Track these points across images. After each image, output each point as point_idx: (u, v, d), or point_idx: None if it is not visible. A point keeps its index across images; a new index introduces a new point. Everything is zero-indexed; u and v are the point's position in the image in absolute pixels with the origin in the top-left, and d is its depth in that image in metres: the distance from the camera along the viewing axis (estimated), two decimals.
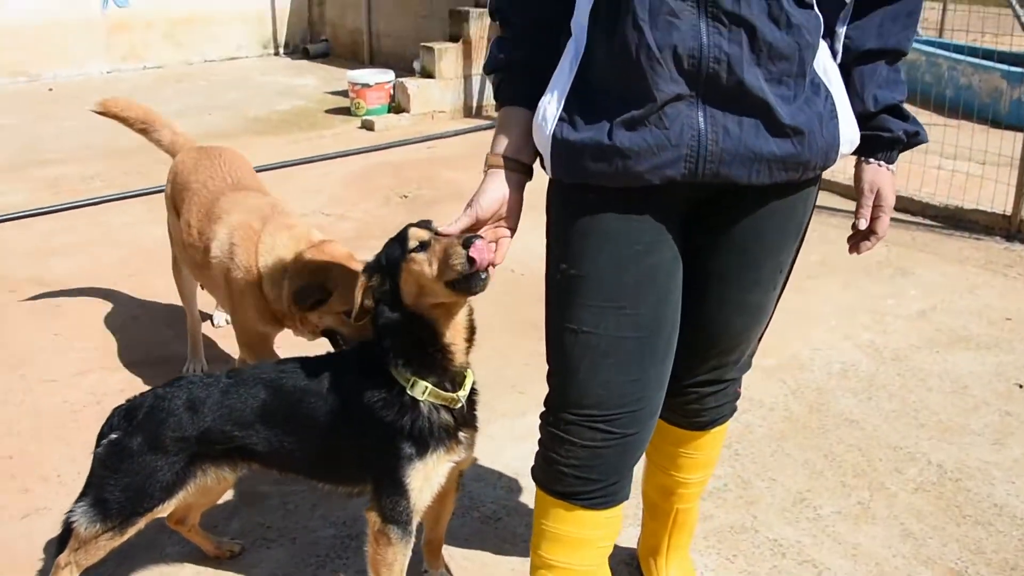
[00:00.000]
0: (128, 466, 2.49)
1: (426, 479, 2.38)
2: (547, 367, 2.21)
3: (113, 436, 2.54)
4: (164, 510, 2.56)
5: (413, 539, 2.45)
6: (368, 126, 8.34)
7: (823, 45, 2.01)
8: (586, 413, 2.12)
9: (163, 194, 3.98)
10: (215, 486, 2.66)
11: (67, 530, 2.63)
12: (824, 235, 5.56)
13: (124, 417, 2.56)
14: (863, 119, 2.11)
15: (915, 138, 2.14)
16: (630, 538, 2.96)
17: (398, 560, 2.44)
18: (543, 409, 2.23)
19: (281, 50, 12.02)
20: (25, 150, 7.54)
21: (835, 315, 4.61)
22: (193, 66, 11.12)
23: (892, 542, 3.03)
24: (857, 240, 2.24)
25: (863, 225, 2.19)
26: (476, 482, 3.32)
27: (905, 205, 6.05)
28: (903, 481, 3.32)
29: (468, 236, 2.07)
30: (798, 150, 1.95)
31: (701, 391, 2.39)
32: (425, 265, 2.17)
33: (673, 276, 2.11)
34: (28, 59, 10.11)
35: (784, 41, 1.88)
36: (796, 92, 1.95)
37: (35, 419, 3.73)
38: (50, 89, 9.78)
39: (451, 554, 2.94)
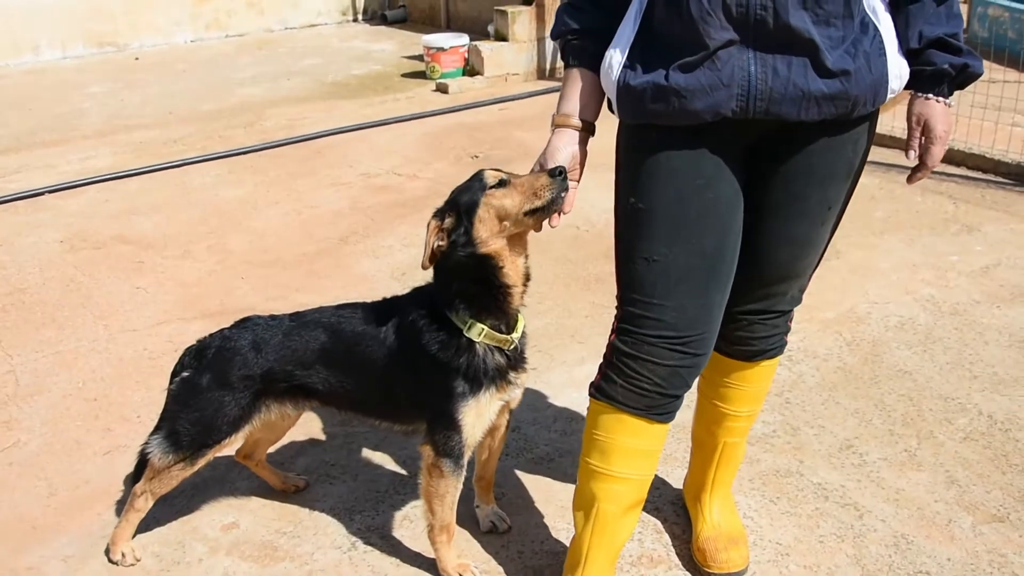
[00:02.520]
0: (198, 401, 2.67)
1: (479, 415, 2.51)
2: (618, 293, 2.38)
3: (185, 374, 2.73)
4: (232, 443, 2.73)
5: (464, 473, 2.59)
6: (443, 89, 8.46)
7: None
8: (665, 335, 2.28)
9: None
10: (279, 422, 2.84)
11: (142, 462, 2.82)
12: (891, 192, 5.58)
13: (195, 356, 2.75)
14: (912, 55, 2.18)
15: (964, 71, 2.16)
16: (677, 479, 3.07)
17: (450, 492, 2.58)
18: (617, 333, 2.37)
19: (360, 16, 12.18)
20: (112, 117, 7.82)
21: (897, 270, 4.62)
22: (274, 33, 11.35)
23: (936, 488, 3.08)
24: (912, 172, 2.33)
25: (911, 157, 2.27)
26: (532, 425, 3.45)
27: (977, 163, 6.00)
28: (952, 431, 3.36)
29: (552, 168, 2.30)
30: (845, 87, 2.08)
31: (750, 319, 2.52)
32: (507, 198, 2.36)
33: (733, 209, 2.27)
34: (116, 30, 10.42)
35: None
36: (845, 32, 2.08)
37: (117, 366, 3.95)
38: (136, 58, 10.08)
39: (504, 491, 3.08)
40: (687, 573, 2.75)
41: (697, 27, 2.06)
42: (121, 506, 2.88)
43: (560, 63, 8.93)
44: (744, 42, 2.06)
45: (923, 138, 2.24)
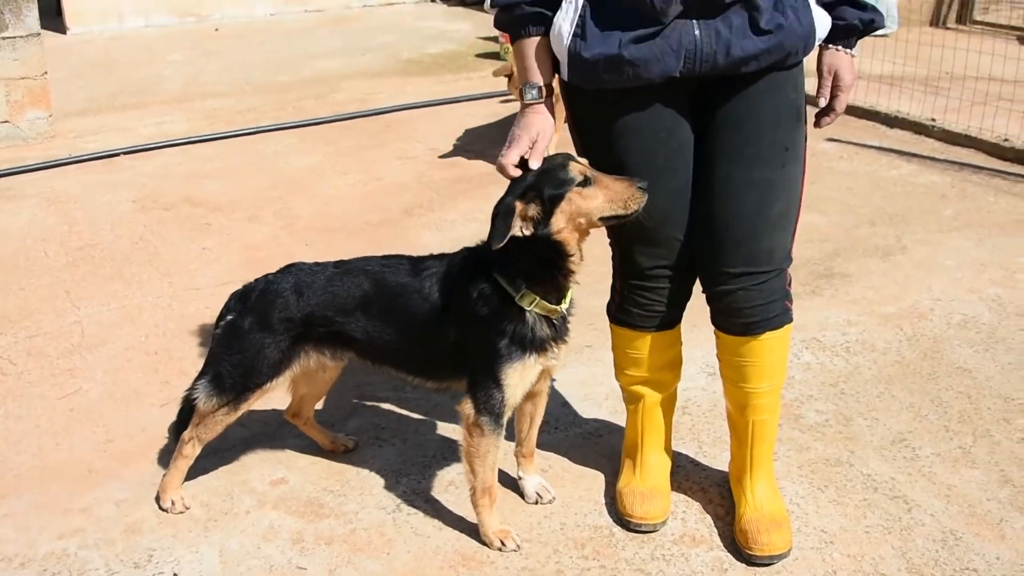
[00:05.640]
0: (240, 344, 2.74)
1: (521, 377, 2.56)
2: (612, 240, 2.71)
3: (229, 317, 2.81)
4: (273, 387, 2.79)
5: (503, 433, 2.63)
6: None
7: None
8: (663, 264, 2.63)
9: None
10: (319, 373, 2.90)
11: (185, 408, 2.90)
12: (963, 191, 5.47)
13: (239, 299, 2.83)
14: (824, 8, 2.45)
15: (870, 25, 2.47)
16: (723, 461, 3.05)
17: (491, 452, 2.62)
18: (622, 273, 2.73)
19: None
20: (190, 84, 7.95)
21: (962, 268, 4.53)
22: (352, 10, 11.41)
23: (989, 487, 3.02)
24: (819, 117, 2.62)
25: (822, 103, 2.57)
26: (583, 401, 3.46)
27: None
28: (1010, 431, 3.29)
29: (639, 183, 2.42)
30: (779, 39, 2.35)
31: (743, 282, 2.57)
32: (591, 200, 2.42)
33: (691, 149, 2.53)
34: (198, 1, 10.57)
35: None
36: None
37: (180, 321, 4.04)
38: (216, 29, 10.22)
39: (550, 464, 3.09)
40: (728, 555, 2.73)
41: (655, 6, 2.27)
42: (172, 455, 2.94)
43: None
44: (689, 13, 2.29)
45: (833, 87, 2.54)
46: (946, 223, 5.05)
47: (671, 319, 2.76)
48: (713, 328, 2.74)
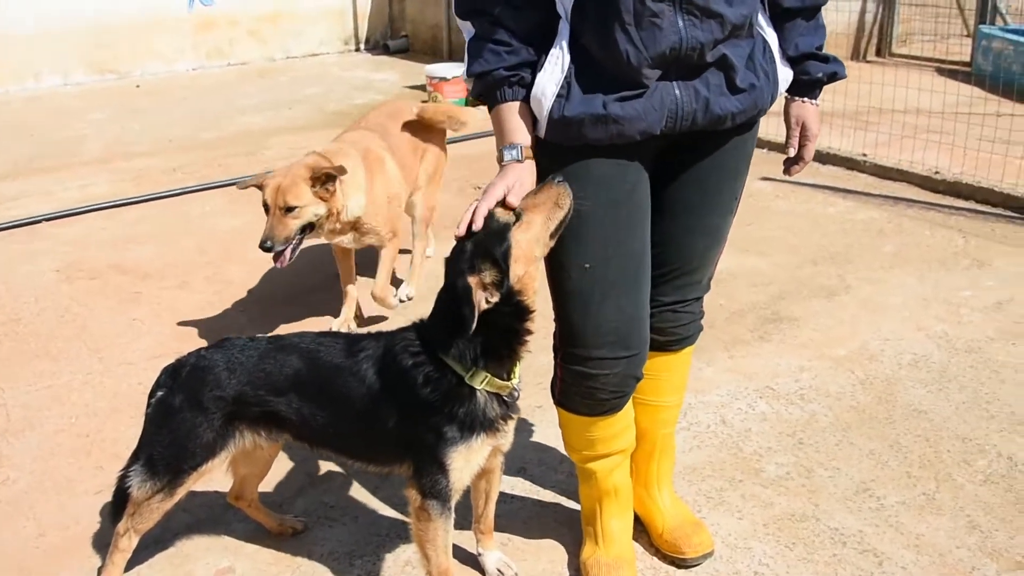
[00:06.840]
0: (171, 423, 2.59)
1: (467, 461, 2.43)
2: (556, 312, 2.57)
3: (160, 393, 2.65)
4: (209, 469, 2.63)
5: (453, 515, 2.50)
6: None
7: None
8: (608, 342, 2.49)
9: None
10: (256, 453, 2.75)
11: (120, 492, 2.72)
12: (899, 226, 5.49)
13: (170, 375, 2.68)
14: (790, 62, 2.52)
15: (834, 77, 2.55)
16: None
17: (439, 535, 2.49)
18: (562, 352, 2.59)
19: (362, 46, 12.14)
20: (112, 144, 7.74)
21: (908, 306, 4.52)
22: (276, 62, 11.30)
23: (957, 533, 2.97)
24: (789, 165, 2.68)
25: (792, 153, 2.64)
26: (539, 466, 3.35)
27: (986, 196, 5.89)
28: (971, 473, 3.26)
29: (556, 180, 2.35)
30: (753, 97, 2.40)
31: (673, 310, 2.69)
32: (533, 226, 2.31)
33: (648, 208, 2.52)
34: (117, 58, 10.37)
35: (740, 16, 2.30)
36: (747, 47, 2.38)
37: (112, 400, 3.85)
38: (137, 86, 10.03)
39: (509, 537, 2.97)
40: None
41: (635, 70, 2.26)
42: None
43: None
44: (668, 76, 2.31)
45: (800, 137, 2.60)
46: (887, 260, 5.06)
47: (622, 403, 2.64)
48: None
